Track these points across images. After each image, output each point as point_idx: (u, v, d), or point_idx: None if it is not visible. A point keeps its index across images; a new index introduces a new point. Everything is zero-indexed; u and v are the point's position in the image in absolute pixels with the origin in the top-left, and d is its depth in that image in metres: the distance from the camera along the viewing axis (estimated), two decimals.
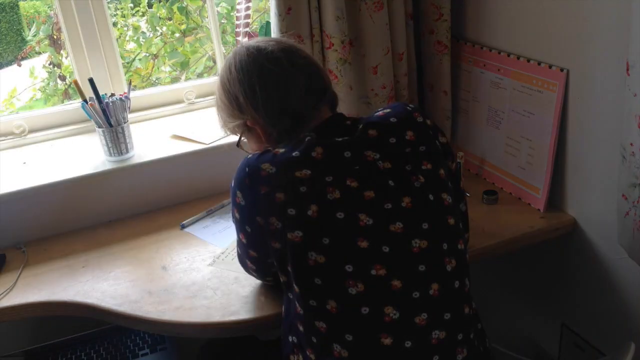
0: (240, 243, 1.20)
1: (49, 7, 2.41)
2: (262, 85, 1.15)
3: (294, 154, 1.07)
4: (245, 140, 1.27)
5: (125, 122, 1.63)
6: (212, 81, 1.98)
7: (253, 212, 1.09)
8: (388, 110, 1.18)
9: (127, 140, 1.64)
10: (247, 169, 1.08)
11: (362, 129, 1.12)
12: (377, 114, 1.17)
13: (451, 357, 1.07)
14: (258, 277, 1.30)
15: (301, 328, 1.09)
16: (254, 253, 1.17)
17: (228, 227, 1.56)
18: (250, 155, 1.11)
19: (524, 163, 1.59)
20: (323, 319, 1.05)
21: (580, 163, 1.46)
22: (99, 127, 1.61)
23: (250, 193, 1.08)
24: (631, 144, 1.19)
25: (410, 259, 1.06)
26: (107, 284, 1.40)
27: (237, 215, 1.14)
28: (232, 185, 1.12)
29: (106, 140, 1.62)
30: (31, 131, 1.79)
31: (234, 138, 1.75)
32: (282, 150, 1.09)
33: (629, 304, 1.43)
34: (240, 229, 1.15)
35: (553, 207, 1.56)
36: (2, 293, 1.40)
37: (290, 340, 1.14)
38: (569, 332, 1.65)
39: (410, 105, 1.19)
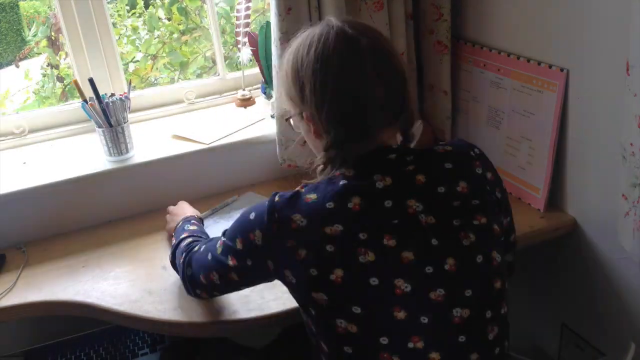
0: (221, 261, 1.08)
1: (49, 8, 2.41)
2: (335, 86, 0.98)
3: (327, 205, 0.95)
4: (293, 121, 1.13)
5: (125, 122, 1.63)
6: (212, 81, 1.98)
7: (266, 256, 1.00)
8: (448, 148, 1.04)
9: (127, 140, 1.64)
10: (276, 215, 0.98)
11: (411, 172, 0.98)
12: (437, 149, 1.04)
13: None
14: (206, 292, 1.19)
15: None
16: (238, 278, 1.08)
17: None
18: (278, 195, 1.00)
19: (524, 163, 1.59)
20: None
21: (580, 163, 1.46)
22: (99, 127, 1.61)
23: (274, 242, 0.98)
24: (631, 144, 1.19)
25: (450, 330, 0.96)
26: (107, 283, 1.40)
27: (239, 246, 1.04)
28: (252, 217, 1.01)
29: (106, 140, 1.62)
30: (31, 131, 1.79)
31: (235, 138, 1.76)
32: (314, 196, 0.97)
33: (629, 304, 1.43)
34: (236, 256, 1.05)
35: (553, 207, 1.56)
36: (2, 293, 1.39)
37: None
38: (569, 332, 1.65)
39: (475, 150, 1.06)
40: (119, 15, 2.64)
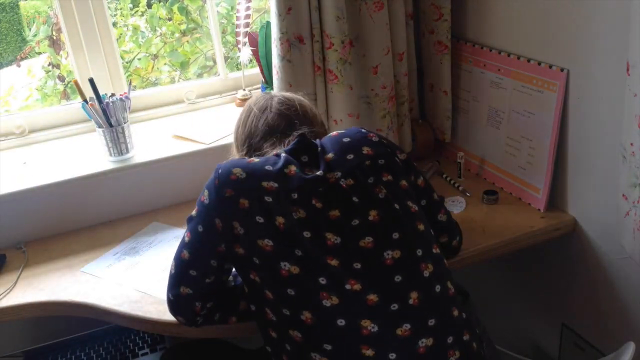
0: (181, 241, 1.17)
1: (49, 7, 2.41)
2: (242, 123, 1.30)
3: (266, 166, 1.11)
4: None
5: (125, 122, 1.63)
6: (213, 81, 1.98)
7: (213, 213, 1.10)
8: (342, 131, 1.22)
9: (128, 140, 1.64)
10: (219, 171, 1.11)
11: (322, 151, 1.15)
12: (331, 134, 1.22)
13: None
14: (181, 287, 1.17)
15: (274, 334, 1.09)
16: (187, 255, 1.14)
17: (136, 264, 1.47)
18: (225, 161, 1.14)
19: (524, 163, 1.59)
20: (298, 328, 1.04)
21: (581, 163, 1.46)
22: (99, 127, 1.61)
23: (217, 194, 1.09)
24: (631, 144, 1.19)
25: (384, 271, 1.06)
26: (107, 283, 1.40)
27: (194, 213, 1.14)
28: (205, 184, 1.14)
29: (106, 140, 1.62)
30: (31, 131, 1.79)
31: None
32: (255, 159, 1.13)
33: (629, 304, 1.43)
34: (191, 227, 1.14)
35: (553, 207, 1.56)
36: (2, 293, 1.40)
37: (268, 350, 1.13)
38: (569, 332, 1.65)
39: (364, 129, 1.23)
40: (122, 15, 2.64)
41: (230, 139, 1.71)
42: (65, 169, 1.61)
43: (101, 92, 1.59)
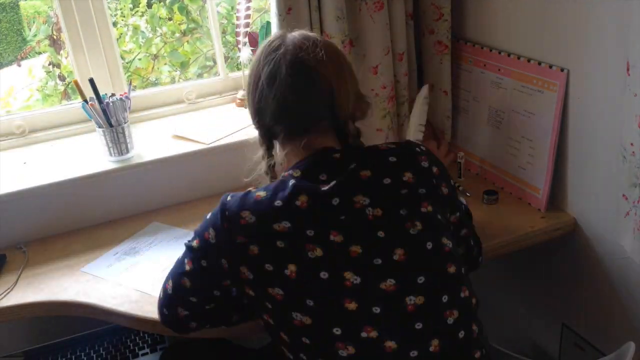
0: (179, 266, 1.10)
1: (49, 7, 2.41)
2: (262, 85, 1.06)
3: (276, 203, 0.99)
4: None
5: (125, 122, 1.63)
6: (213, 81, 1.98)
7: (220, 254, 1.03)
8: (392, 146, 1.08)
9: (128, 140, 1.64)
10: (226, 213, 1.01)
11: (354, 169, 1.02)
12: (378, 145, 1.09)
13: None
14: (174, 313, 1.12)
15: None
16: (188, 283, 1.08)
17: (136, 264, 1.47)
18: (230, 195, 1.05)
19: (525, 163, 1.59)
20: None
21: (581, 163, 1.46)
22: (99, 127, 1.61)
23: (226, 238, 1.01)
24: (631, 144, 1.19)
25: (405, 318, 0.98)
26: (108, 283, 1.40)
27: (196, 245, 1.06)
28: (208, 217, 1.05)
29: (106, 140, 1.62)
30: (31, 131, 1.79)
31: (235, 138, 1.76)
32: (263, 194, 1.01)
33: (629, 304, 1.43)
34: (192, 257, 1.07)
35: (553, 207, 1.56)
36: (2, 293, 1.40)
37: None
38: (569, 332, 1.65)
39: (421, 147, 1.09)
40: (122, 15, 2.64)
41: (229, 140, 1.73)
42: (65, 169, 1.61)
43: (101, 92, 1.59)
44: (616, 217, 1.32)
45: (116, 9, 2.60)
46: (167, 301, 1.13)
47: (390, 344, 0.97)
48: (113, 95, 1.63)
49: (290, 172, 1.04)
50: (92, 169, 1.62)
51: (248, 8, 1.89)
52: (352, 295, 0.97)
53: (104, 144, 1.63)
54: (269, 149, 1.14)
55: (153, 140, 1.75)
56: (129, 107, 1.65)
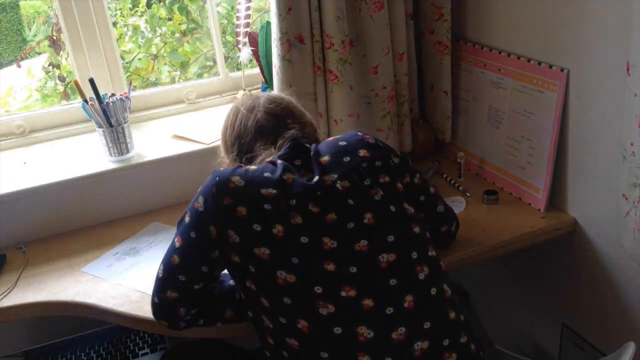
0: (170, 246, 1.15)
1: (49, 7, 2.41)
2: (230, 125, 1.29)
3: (265, 174, 1.10)
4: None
5: (125, 122, 1.63)
6: (213, 81, 1.98)
7: (208, 220, 1.08)
8: (339, 135, 1.22)
9: (128, 140, 1.64)
10: (217, 178, 1.10)
11: (316, 155, 1.15)
12: (328, 139, 1.22)
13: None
14: (169, 294, 1.14)
15: (271, 341, 1.09)
16: (177, 260, 1.12)
17: (136, 264, 1.47)
18: (222, 169, 1.13)
19: (525, 163, 1.59)
20: (294, 336, 1.04)
21: (581, 163, 1.46)
22: (100, 127, 1.61)
23: (214, 202, 1.08)
24: (631, 144, 1.19)
25: (379, 275, 1.06)
26: (108, 284, 1.40)
27: (187, 219, 1.12)
28: (200, 190, 1.12)
29: (106, 140, 1.62)
30: (31, 131, 1.79)
31: None
32: (253, 167, 1.12)
33: (629, 304, 1.43)
34: (182, 232, 1.13)
35: (553, 207, 1.56)
36: (2, 293, 1.40)
37: (267, 354, 1.13)
38: (569, 332, 1.65)
39: (360, 132, 1.23)
40: (122, 15, 2.63)
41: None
42: (65, 169, 1.61)
43: (101, 92, 1.59)
44: (616, 217, 1.32)
45: (116, 9, 2.60)
46: (158, 285, 1.16)
47: (368, 302, 1.04)
48: (113, 95, 1.63)
49: (274, 158, 1.15)
50: (92, 169, 1.62)
51: (248, 8, 1.89)
52: (330, 257, 1.06)
53: (104, 144, 1.63)
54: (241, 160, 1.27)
55: (153, 140, 1.75)
56: (129, 107, 1.65)
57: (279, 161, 1.13)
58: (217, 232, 1.08)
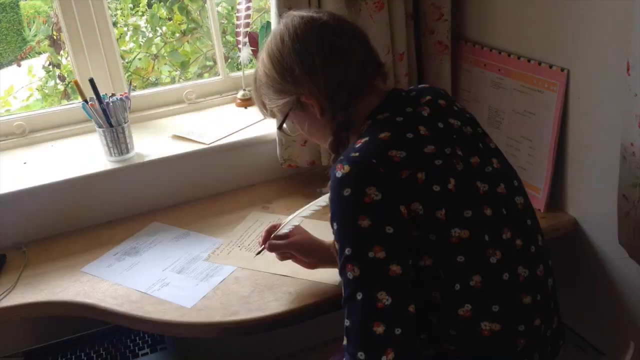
0: (369, 267, 0.93)
1: (49, 7, 2.41)
2: (322, 55, 1.06)
3: (407, 135, 1.02)
4: (292, 121, 1.18)
5: (125, 122, 1.63)
6: (213, 81, 1.98)
7: (396, 202, 0.96)
8: (421, 87, 1.18)
9: (128, 141, 1.64)
10: (374, 161, 0.96)
11: (432, 100, 1.10)
12: (420, 86, 1.19)
13: (555, 298, 1.17)
14: (392, 319, 0.92)
15: (435, 321, 1.02)
16: (398, 268, 0.93)
17: (136, 264, 1.46)
18: (351, 153, 0.99)
19: (525, 163, 1.59)
20: (469, 300, 1.00)
21: (581, 163, 1.46)
22: (100, 127, 1.61)
23: (391, 181, 0.96)
24: (631, 144, 1.19)
25: (520, 216, 1.10)
26: (108, 284, 1.40)
27: (366, 222, 0.93)
28: (352, 187, 0.95)
29: (106, 141, 1.62)
30: (31, 131, 1.79)
31: (235, 138, 1.76)
32: (385, 134, 1.01)
33: (629, 304, 1.43)
34: (375, 239, 0.93)
35: (553, 207, 1.56)
36: (2, 293, 1.39)
37: (422, 339, 1.04)
38: (569, 332, 1.65)
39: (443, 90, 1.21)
40: (122, 15, 2.64)
41: (229, 140, 1.73)
42: (65, 169, 1.61)
43: (101, 92, 1.59)
44: (616, 217, 1.32)
45: (116, 9, 2.60)
46: (391, 313, 0.92)
47: (519, 242, 1.06)
48: (113, 95, 1.63)
49: (381, 115, 1.07)
50: (92, 169, 1.62)
51: (248, 8, 1.89)
52: (486, 201, 1.04)
53: (104, 144, 1.63)
54: (348, 122, 1.11)
55: (153, 140, 1.75)
56: (129, 107, 1.65)
57: (399, 117, 1.05)
58: (406, 210, 0.97)
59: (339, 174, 0.97)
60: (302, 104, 1.11)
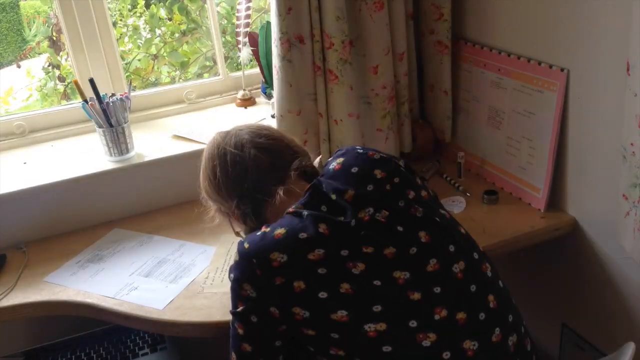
0: (234, 335, 1.07)
1: (49, 8, 2.41)
2: (221, 170, 1.16)
3: (300, 235, 1.01)
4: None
5: (125, 122, 1.63)
6: (213, 81, 1.98)
7: (267, 304, 1.00)
8: (341, 159, 1.14)
9: (128, 140, 1.64)
10: (254, 260, 1.00)
11: (338, 196, 1.06)
12: (333, 167, 1.13)
13: (528, 355, 1.09)
14: None
15: None
16: (249, 347, 1.05)
17: (101, 270, 1.46)
18: (246, 242, 1.03)
19: (525, 163, 1.59)
20: None
21: (581, 163, 1.46)
22: (100, 127, 1.61)
23: (265, 285, 0.99)
24: (631, 144, 1.19)
25: (460, 285, 1.04)
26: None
27: (240, 308, 1.03)
28: (235, 276, 1.03)
29: (106, 140, 1.62)
30: (31, 131, 1.79)
31: None
32: (281, 230, 1.02)
33: (629, 304, 1.43)
34: (240, 319, 1.04)
35: (553, 207, 1.56)
36: (2, 293, 1.39)
37: None
38: (569, 332, 1.65)
39: (359, 147, 1.18)
40: (121, 15, 2.64)
41: None
42: (65, 169, 1.61)
43: (101, 92, 1.59)
44: (616, 217, 1.32)
45: (115, 9, 2.60)
46: None
47: (461, 315, 1.01)
48: (113, 95, 1.63)
49: (294, 208, 1.06)
50: (92, 169, 1.62)
51: (248, 8, 1.89)
52: (411, 287, 1.00)
53: (104, 144, 1.63)
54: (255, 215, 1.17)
55: (153, 140, 1.75)
56: (129, 107, 1.65)
57: (305, 212, 1.04)
58: (280, 313, 1.00)
59: (234, 257, 1.04)
60: (222, 212, 1.22)
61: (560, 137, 1.48)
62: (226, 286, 1.34)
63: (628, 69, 1.16)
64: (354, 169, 1.11)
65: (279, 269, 0.99)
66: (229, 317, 1.24)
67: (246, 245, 1.03)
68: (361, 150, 1.15)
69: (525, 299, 1.80)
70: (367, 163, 1.12)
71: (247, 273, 1.01)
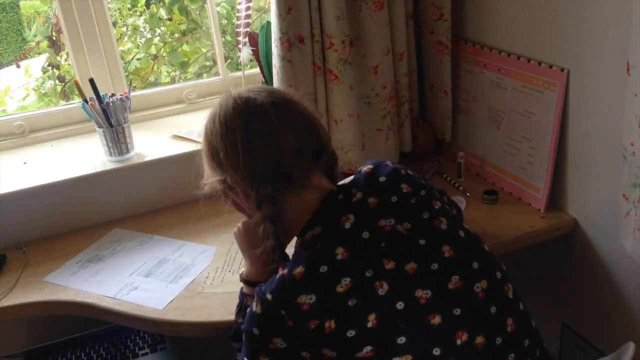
0: None
1: (49, 8, 2.41)
2: (245, 144, 1.02)
3: (321, 269, 0.95)
4: (223, 199, 1.15)
5: (125, 122, 1.63)
6: (213, 81, 1.98)
7: (298, 350, 0.95)
8: (371, 166, 1.09)
9: (128, 140, 1.64)
10: (283, 312, 0.93)
11: (361, 200, 1.02)
12: (364, 171, 1.08)
13: None
14: None
15: None
16: None
17: (101, 270, 1.46)
18: (269, 296, 0.95)
19: (525, 163, 1.59)
20: None
21: (581, 163, 1.46)
22: (100, 127, 1.61)
23: (299, 334, 0.93)
24: (632, 144, 1.19)
25: (481, 307, 0.99)
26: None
27: (267, 358, 0.97)
28: (259, 332, 0.96)
29: (106, 140, 1.62)
30: (31, 131, 1.79)
31: None
32: (300, 269, 0.95)
33: (629, 304, 1.43)
34: None
35: (553, 207, 1.56)
36: (2, 293, 1.39)
37: None
38: (569, 332, 1.65)
39: (390, 162, 1.12)
40: (121, 14, 2.64)
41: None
42: (65, 169, 1.61)
43: (101, 92, 1.59)
44: (616, 217, 1.32)
45: (115, 9, 2.60)
46: None
47: (480, 340, 0.96)
48: (113, 95, 1.63)
49: (310, 233, 1.01)
50: (92, 169, 1.62)
51: (248, 8, 1.89)
52: (432, 309, 0.95)
53: (104, 144, 1.63)
54: (274, 215, 1.04)
55: (153, 140, 1.75)
56: (129, 107, 1.65)
57: (318, 244, 0.98)
58: (311, 355, 0.95)
59: (254, 308, 0.96)
60: (229, 186, 1.07)
61: (560, 137, 1.48)
62: (226, 286, 1.36)
63: (628, 69, 1.16)
64: (382, 179, 1.06)
65: (310, 312, 0.93)
66: (229, 317, 1.26)
67: (269, 296, 0.95)
68: (390, 165, 1.10)
69: (525, 299, 1.80)
70: (394, 176, 1.07)
71: (276, 327, 0.94)
